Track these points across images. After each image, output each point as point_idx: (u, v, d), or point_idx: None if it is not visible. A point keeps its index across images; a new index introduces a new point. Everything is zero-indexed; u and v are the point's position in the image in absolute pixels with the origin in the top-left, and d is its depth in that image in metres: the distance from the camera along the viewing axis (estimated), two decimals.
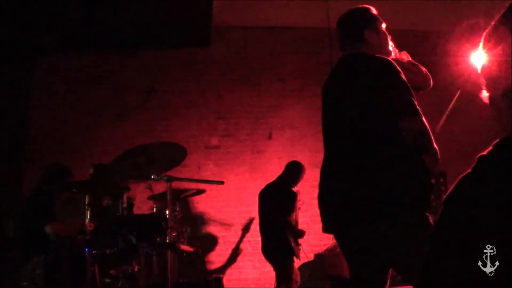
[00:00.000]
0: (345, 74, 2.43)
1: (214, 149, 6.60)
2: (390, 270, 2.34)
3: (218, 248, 6.30)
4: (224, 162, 6.55)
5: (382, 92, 2.26)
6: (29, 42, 6.03)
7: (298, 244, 5.26)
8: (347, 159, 2.29)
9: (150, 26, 6.00)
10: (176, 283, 4.06)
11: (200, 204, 6.31)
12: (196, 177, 6.19)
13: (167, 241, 3.80)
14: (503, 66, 1.30)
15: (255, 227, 5.98)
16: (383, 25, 2.56)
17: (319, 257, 6.02)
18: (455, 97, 6.10)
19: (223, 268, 6.22)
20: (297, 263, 5.29)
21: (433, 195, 2.24)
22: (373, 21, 2.53)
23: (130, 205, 4.44)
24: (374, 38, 2.48)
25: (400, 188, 2.16)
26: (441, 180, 6.65)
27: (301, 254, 5.35)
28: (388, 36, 2.57)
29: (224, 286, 4.76)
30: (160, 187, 4.54)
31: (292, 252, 5.11)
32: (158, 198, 4.60)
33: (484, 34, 1.37)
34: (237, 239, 6.36)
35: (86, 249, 3.65)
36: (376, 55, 2.38)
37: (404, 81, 2.28)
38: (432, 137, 2.24)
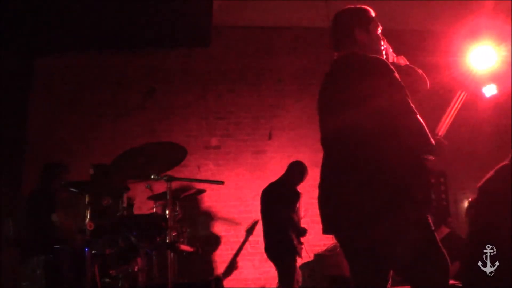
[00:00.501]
0: (339, 75, 2.43)
1: (214, 149, 6.60)
2: (391, 271, 2.34)
3: (218, 248, 6.29)
4: (224, 162, 6.55)
5: (377, 92, 2.25)
6: (29, 42, 6.03)
7: (300, 243, 5.26)
8: (345, 160, 2.29)
9: (150, 26, 6.00)
10: (176, 283, 4.05)
11: (200, 204, 6.31)
12: (196, 177, 6.20)
13: (167, 241, 3.80)
14: None
15: (256, 227, 6.00)
16: (379, 29, 2.54)
17: (319, 257, 6.01)
18: (458, 99, 6.10)
19: (223, 268, 6.22)
20: (298, 262, 5.29)
21: (433, 195, 2.25)
22: (365, 21, 2.51)
23: (130, 205, 4.44)
24: (364, 38, 2.47)
25: (399, 189, 2.15)
26: (441, 180, 6.66)
27: (303, 253, 5.34)
28: (381, 39, 2.54)
29: (224, 286, 4.75)
30: (160, 187, 4.54)
31: (294, 251, 5.10)
32: (158, 198, 4.60)
33: None
34: (237, 239, 6.36)
35: (86, 249, 3.65)
36: (369, 55, 2.37)
37: (398, 80, 2.28)
38: (428, 134, 2.23)
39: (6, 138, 5.85)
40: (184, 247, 4.16)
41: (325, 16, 5.39)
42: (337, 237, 2.44)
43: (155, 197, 4.62)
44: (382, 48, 2.55)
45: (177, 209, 4.31)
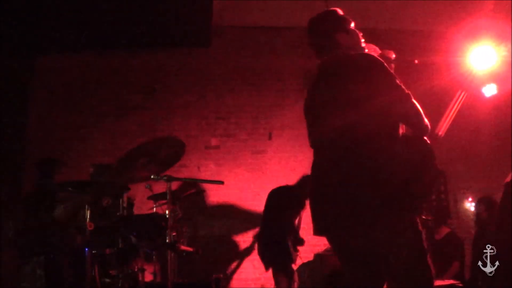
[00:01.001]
0: (332, 77, 2.43)
1: (214, 149, 6.59)
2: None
3: (218, 248, 6.29)
4: (224, 162, 6.55)
5: (374, 87, 2.26)
6: (29, 42, 6.02)
7: (296, 250, 5.25)
8: (337, 161, 2.29)
9: (150, 26, 6.00)
10: (176, 283, 4.05)
11: (200, 204, 6.31)
12: (196, 177, 6.20)
13: (167, 241, 3.80)
14: None
15: (257, 227, 5.98)
16: (352, 24, 2.59)
17: (319, 257, 6.01)
18: (458, 99, 6.10)
19: (223, 268, 6.22)
20: (298, 261, 5.28)
21: (433, 195, 2.27)
22: (341, 23, 2.57)
23: (130, 205, 4.44)
24: (345, 40, 2.52)
25: (388, 192, 2.16)
26: (441, 180, 6.65)
27: (298, 260, 5.33)
28: (358, 33, 2.59)
29: (224, 286, 4.76)
30: (160, 187, 4.54)
31: (289, 258, 5.08)
32: (158, 198, 4.60)
33: None
34: (237, 239, 6.36)
35: (86, 249, 3.65)
36: (355, 53, 2.41)
37: (389, 70, 2.32)
38: (422, 114, 2.31)
39: (6, 138, 5.85)
40: (184, 247, 4.16)
41: None
42: (331, 238, 2.42)
43: (155, 197, 4.62)
44: (363, 42, 2.58)
45: (177, 209, 4.31)
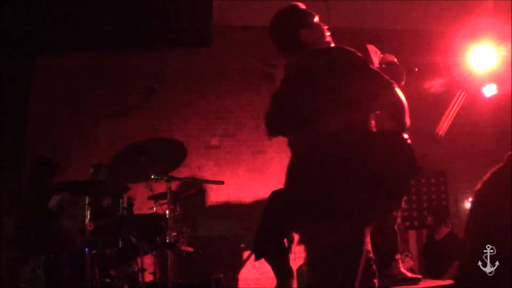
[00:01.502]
0: (307, 76, 2.31)
1: (214, 149, 6.59)
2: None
3: (218, 248, 6.29)
4: (224, 162, 6.55)
5: (353, 79, 2.18)
6: (29, 42, 6.02)
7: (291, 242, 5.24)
8: (304, 160, 2.22)
9: (151, 26, 5.99)
10: (176, 283, 4.05)
11: (200, 204, 6.31)
12: (196, 177, 6.20)
13: (167, 241, 3.80)
14: None
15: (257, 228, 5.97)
16: (316, 18, 2.49)
17: None
18: (458, 99, 6.10)
19: (223, 268, 6.21)
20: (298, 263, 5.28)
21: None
22: (304, 18, 2.47)
23: (130, 205, 4.44)
24: (310, 35, 2.43)
25: (343, 199, 2.06)
26: (441, 180, 6.66)
27: (298, 260, 5.32)
28: (323, 27, 2.49)
29: (224, 286, 4.75)
30: (160, 187, 4.54)
31: (283, 251, 5.07)
32: (158, 198, 4.60)
33: None
34: (237, 239, 6.36)
35: (86, 249, 3.65)
36: (327, 47, 2.33)
37: (361, 58, 2.24)
38: (405, 105, 2.21)
39: (6, 138, 5.85)
40: (184, 247, 4.16)
41: (325, 16, 5.39)
42: (304, 234, 2.34)
43: (155, 197, 4.62)
44: (327, 35, 2.48)
45: (177, 209, 4.31)
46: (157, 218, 4.06)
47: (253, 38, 6.86)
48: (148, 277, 4.26)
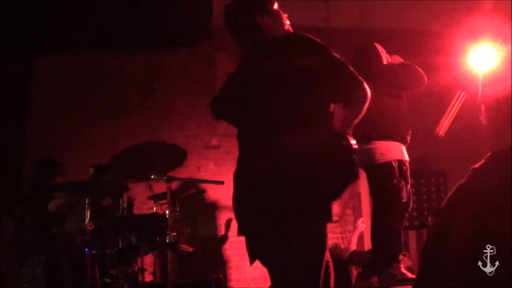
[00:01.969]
0: (259, 63, 2.16)
1: (214, 149, 6.59)
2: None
3: (218, 248, 6.29)
4: (224, 162, 6.54)
5: (317, 69, 2.09)
6: (29, 43, 6.02)
7: None
8: (260, 155, 2.13)
9: (150, 26, 6.00)
10: (176, 283, 4.05)
11: (200, 204, 6.30)
12: (196, 177, 6.19)
13: (167, 241, 3.80)
14: None
15: None
16: (275, 5, 2.36)
17: None
18: (458, 99, 6.10)
19: (223, 268, 6.21)
20: None
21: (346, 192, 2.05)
22: (261, 4, 2.32)
23: (130, 205, 4.44)
24: (268, 21, 2.29)
25: (304, 196, 2.01)
26: (441, 180, 6.65)
27: None
28: (283, 15, 2.38)
29: (224, 286, 4.75)
30: (160, 187, 4.54)
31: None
32: (158, 198, 4.60)
33: None
34: (237, 239, 6.34)
35: (86, 249, 3.65)
36: (283, 34, 2.21)
37: (322, 44, 2.16)
38: (362, 81, 2.12)
39: (6, 138, 5.85)
40: (184, 247, 4.16)
41: (325, 16, 5.39)
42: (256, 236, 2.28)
43: (155, 197, 4.62)
44: (287, 24, 2.38)
45: (177, 209, 4.31)
46: (157, 218, 4.06)
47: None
48: (148, 277, 4.27)
